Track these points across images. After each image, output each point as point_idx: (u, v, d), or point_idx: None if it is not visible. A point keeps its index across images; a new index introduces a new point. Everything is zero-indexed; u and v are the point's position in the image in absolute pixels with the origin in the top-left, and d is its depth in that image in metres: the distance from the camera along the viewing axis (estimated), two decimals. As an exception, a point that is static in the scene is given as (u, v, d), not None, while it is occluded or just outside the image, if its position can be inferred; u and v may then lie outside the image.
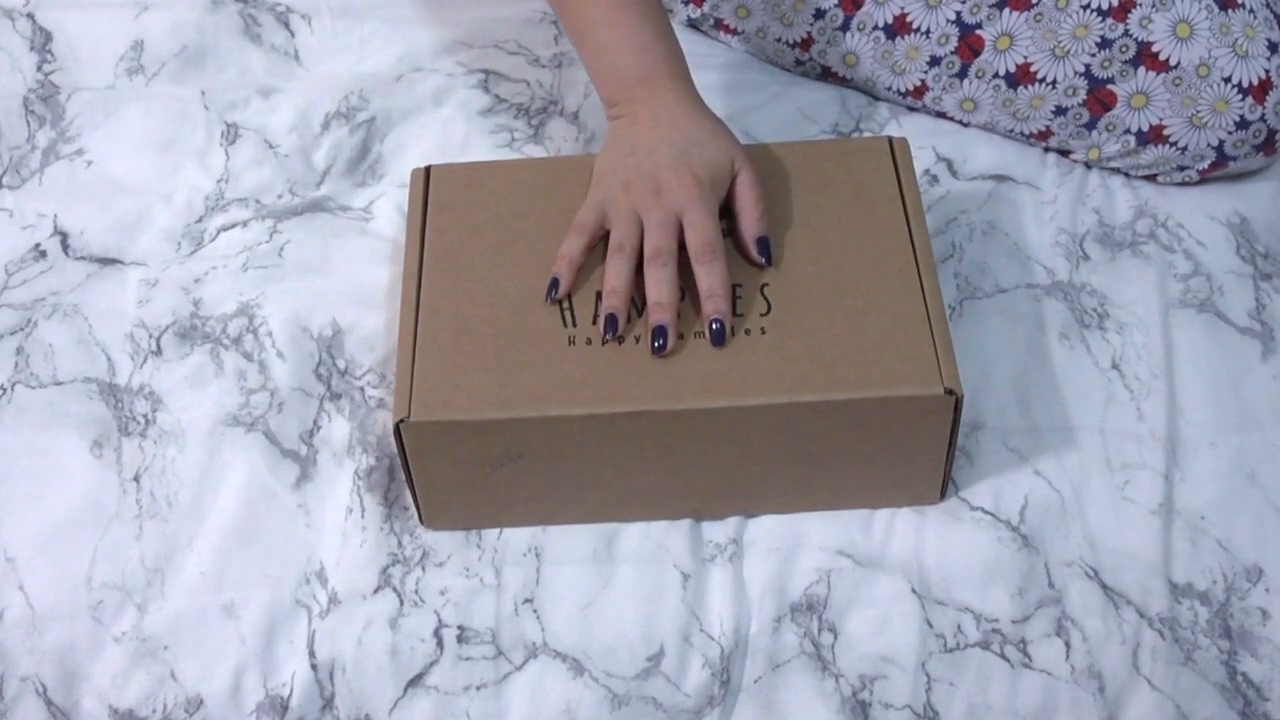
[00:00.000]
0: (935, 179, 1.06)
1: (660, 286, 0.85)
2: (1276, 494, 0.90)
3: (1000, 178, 1.06)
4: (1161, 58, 1.01)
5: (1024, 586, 0.86)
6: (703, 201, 0.87)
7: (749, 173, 0.89)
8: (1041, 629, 0.86)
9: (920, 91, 1.08)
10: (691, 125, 0.89)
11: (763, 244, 0.87)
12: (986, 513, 0.89)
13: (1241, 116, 1.00)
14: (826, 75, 1.13)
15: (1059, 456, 0.91)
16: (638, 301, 0.86)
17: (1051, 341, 0.96)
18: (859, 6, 1.07)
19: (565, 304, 0.86)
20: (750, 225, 0.88)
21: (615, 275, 0.86)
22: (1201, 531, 0.88)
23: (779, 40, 1.12)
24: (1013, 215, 1.04)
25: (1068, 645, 0.85)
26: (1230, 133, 1.01)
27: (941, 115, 1.10)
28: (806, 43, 1.11)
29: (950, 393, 0.81)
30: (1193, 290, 0.99)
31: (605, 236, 0.88)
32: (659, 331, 0.84)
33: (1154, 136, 1.03)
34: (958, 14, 1.04)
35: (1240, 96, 1.00)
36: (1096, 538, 0.88)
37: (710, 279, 0.85)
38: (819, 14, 1.08)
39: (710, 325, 0.84)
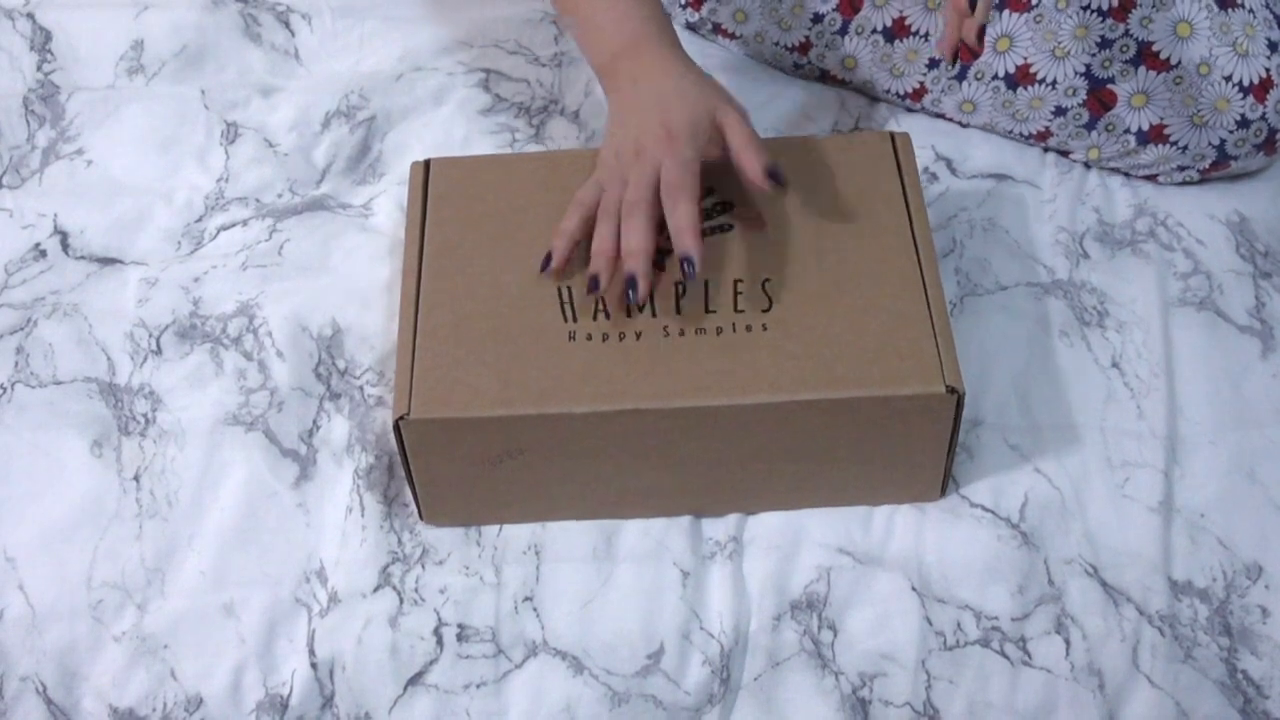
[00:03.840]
0: (935, 177, 1.06)
1: (632, 235, 0.85)
2: (1276, 492, 0.90)
3: (1000, 176, 1.06)
4: (1162, 57, 1.01)
5: (1024, 584, 0.86)
6: (676, 152, 0.86)
7: (734, 115, 0.89)
8: (1041, 626, 0.86)
9: (919, 94, 1.08)
10: (669, 83, 0.89)
11: (771, 172, 0.86)
12: (986, 510, 0.89)
13: (1242, 115, 1.00)
14: (825, 79, 1.13)
15: (1059, 454, 0.91)
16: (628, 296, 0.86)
17: (1052, 339, 0.96)
18: (857, 10, 1.07)
19: (566, 299, 0.86)
20: (750, 160, 0.87)
21: (600, 238, 0.86)
22: (1201, 529, 0.88)
23: (777, 44, 1.12)
24: (1012, 213, 1.04)
25: (1067, 643, 0.85)
26: (1231, 132, 1.01)
27: (940, 117, 1.10)
28: (804, 46, 1.11)
29: (952, 391, 0.81)
30: (1192, 289, 0.99)
31: None
32: (630, 281, 0.84)
33: (1154, 136, 1.03)
34: None
35: (1241, 95, 1.00)
36: (1096, 535, 0.88)
37: (677, 218, 0.84)
38: (817, 18, 1.08)
39: (682, 264, 0.83)
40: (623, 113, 0.90)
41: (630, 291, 0.84)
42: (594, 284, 0.85)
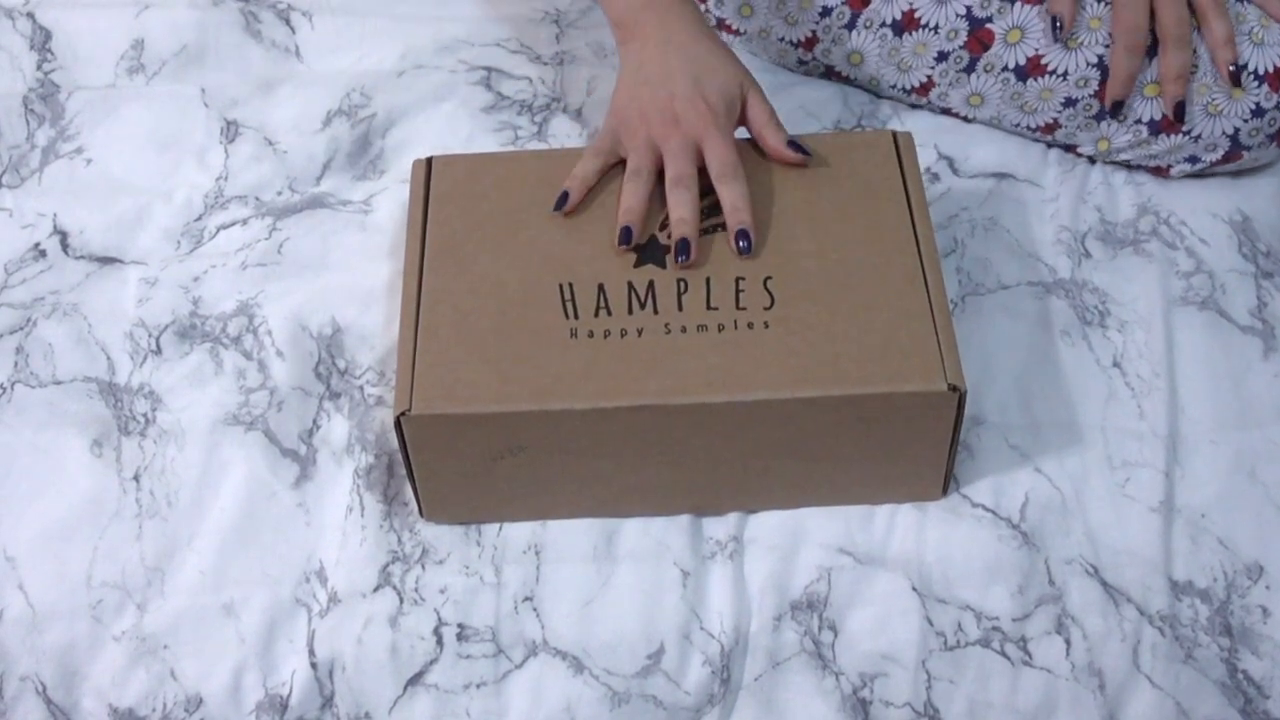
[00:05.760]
0: (936, 176, 1.06)
1: (683, 206, 0.88)
2: (1277, 492, 0.90)
3: (1001, 176, 1.06)
4: None
5: (1024, 584, 0.86)
6: (719, 128, 0.90)
7: (756, 93, 0.94)
8: (1042, 626, 0.85)
9: (926, 88, 1.08)
10: (702, 51, 0.92)
11: (793, 145, 0.91)
12: (987, 510, 0.89)
13: (1257, 104, 1.00)
14: (830, 75, 1.13)
15: (1060, 454, 0.91)
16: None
17: (1053, 338, 0.96)
18: (866, 3, 1.06)
19: (567, 296, 0.86)
20: (772, 136, 0.92)
21: (632, 195, 0.89)
22: (1202, 529, 0.88)
23: (782, 40, 1.12)
24: (1014, 212, 1.03)
25: (1068, 643, 0.85)
26: (1245, 121, 1.00)
27: (946, 111, 1.10)
28: (810, 42, 1.10)
29: (954, 389, 0.81)
30: (1194, 288, 0.99)
31: (619, 164, 0.92)
32: (683, 245, 0.87)
33: (1167, 125, 1.02)
34: (968, 8, 1.03)
35: (1256, 84, 0.99)
36: (1097, 535, 0.88)
37: (732, 195, 0.88)
38: (825, 12, 1.08)
39: (736, 237, 0.87)
40: (646, 69, 0.92)
41: (682, 255, 0.86)
42: (627, 236, 0.88)
